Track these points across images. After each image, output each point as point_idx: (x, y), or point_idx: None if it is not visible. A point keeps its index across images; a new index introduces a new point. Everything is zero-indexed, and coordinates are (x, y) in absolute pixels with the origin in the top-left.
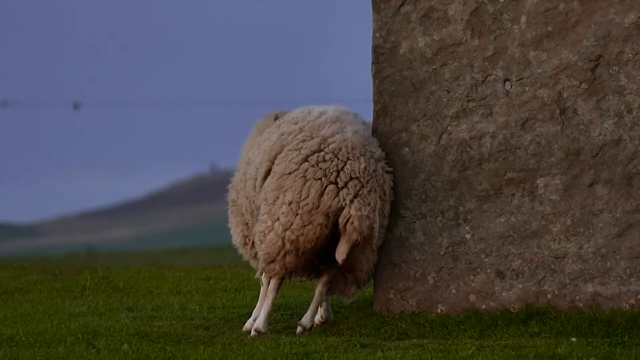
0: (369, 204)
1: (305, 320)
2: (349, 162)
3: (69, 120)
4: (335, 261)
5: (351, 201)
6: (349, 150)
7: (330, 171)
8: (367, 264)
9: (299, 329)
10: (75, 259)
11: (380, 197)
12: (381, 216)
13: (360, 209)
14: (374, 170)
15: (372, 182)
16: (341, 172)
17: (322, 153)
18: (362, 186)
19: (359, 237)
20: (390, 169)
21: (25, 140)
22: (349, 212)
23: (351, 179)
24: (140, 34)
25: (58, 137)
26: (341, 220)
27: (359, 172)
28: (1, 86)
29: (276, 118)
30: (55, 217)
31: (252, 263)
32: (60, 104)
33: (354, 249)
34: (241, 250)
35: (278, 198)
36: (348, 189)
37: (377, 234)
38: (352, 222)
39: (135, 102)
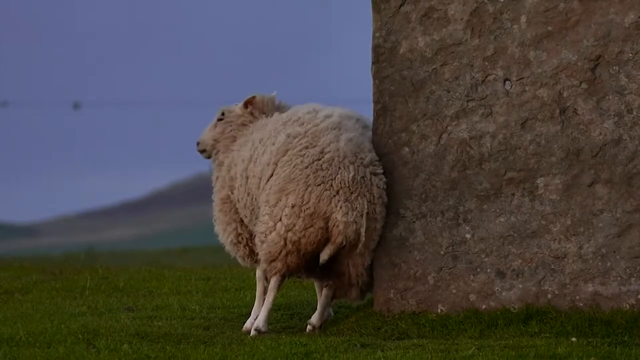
0: (355, 209)
1: (314, 319)
2: (339, 171)
3: (69, 120)
4: (325, 263)
5: (340, 207)
6: (341, 159)
7: (327, 179)
8: (355, 267)
9: (308, 327)
10: (75, 259)
11: (369, 200)
12: (372, 219)
13: (346, 214)
14: (362, 177)
15: (360, 187)
16: (334, 181)
17: (320, 162)
18: (351, 192)
19: (343, 240)
20: (380, 171)
21: (25, 140)
22: (336, 217)
23: (342, 187)
24: (140, 34)
25: (58, 137)
26: (330, 224)
27: (348, 181)
28: (1, 86)
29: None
30: (55, 217)
31: (243, 262)
32: (60, 104)
33: (340, 252)
34: (231, 249)
35: (280, 200)
36: (339, 195)
37: (363, 239)
38: (338, 226)
39: (135, 102)
